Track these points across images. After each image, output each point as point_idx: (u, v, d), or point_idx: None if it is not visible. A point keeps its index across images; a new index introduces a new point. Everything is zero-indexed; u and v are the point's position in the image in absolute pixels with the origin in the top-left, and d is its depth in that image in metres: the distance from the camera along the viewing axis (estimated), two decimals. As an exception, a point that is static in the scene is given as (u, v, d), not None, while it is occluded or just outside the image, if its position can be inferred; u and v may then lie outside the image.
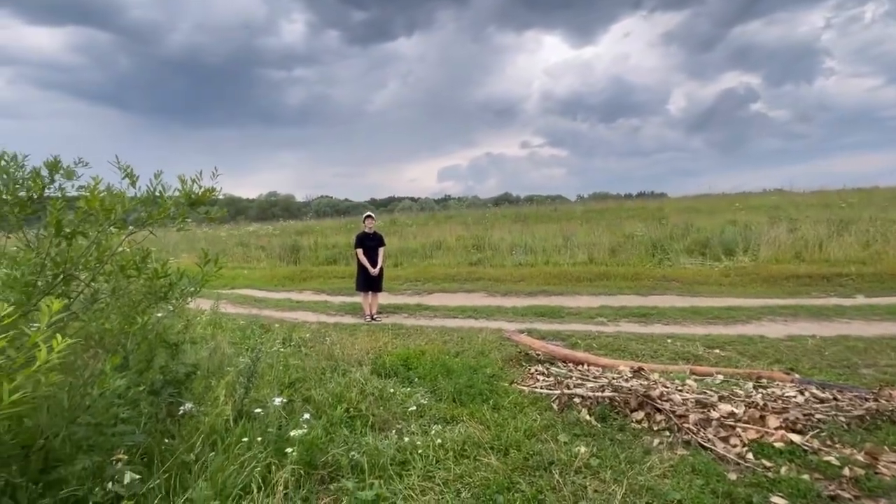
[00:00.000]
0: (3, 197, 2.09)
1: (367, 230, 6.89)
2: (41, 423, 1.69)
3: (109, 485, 1.61)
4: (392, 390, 3.25)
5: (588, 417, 2.88)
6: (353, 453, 2.28)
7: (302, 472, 2.09)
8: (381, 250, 6.91)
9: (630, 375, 3.48)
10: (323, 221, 25.02)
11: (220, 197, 2.58)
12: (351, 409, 2.88)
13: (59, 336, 1.38)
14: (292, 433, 2.12)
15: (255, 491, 1.82)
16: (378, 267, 6.76)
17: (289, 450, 2.03)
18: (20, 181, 2.11)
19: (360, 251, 6.77)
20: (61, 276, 1.70)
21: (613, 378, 3.39)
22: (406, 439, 2.46)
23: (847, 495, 2.00)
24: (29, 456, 1.67)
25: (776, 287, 7.46)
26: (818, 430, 2.53)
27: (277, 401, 2.44)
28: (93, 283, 1.88)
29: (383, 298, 7.52)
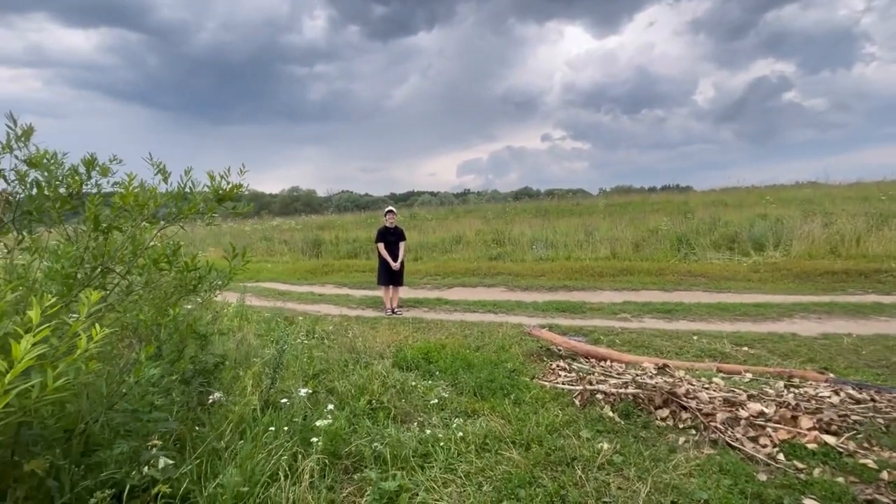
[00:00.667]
0: (45, 193, 2.19)
1: (388, 225, 6.93)
2: (82, 408, 1.78)
3: (145, 469, 1.68)
4: (413, 383, 3.28)
5: (611, 414, 2.85)
6: (375, 444, 2.32)
7: (327, 461, 2.13)
8: (402, 245, 6.95)
9: (654, 372, 3.42)
10: (344, 216, 25.30)
11: (246, 192, 2.64)
12: (373, 401, 2.92)
13: (97, 326, 1.44)
14: (317, 423, 2.17)
15: (283, 478, 1.87)
16: (399, 261, 6.80)
17: (314, 439, 2.08)
18: (60, 178, 2.20)
19: (381, 245, 6.82)
20: (99, 269, 1.77)
21: (637, 375, 3.33)
22: (428, 432, 2.49)
23: (885, 500, 1.91)
24: (71, 440, 1.75)
25: (809, 283, 7.18)
26: (854, 432, 2.43)
27: (303, 391, 2.49)
28: (128, 276, 1.95)
29: (404, 292, 7.58)
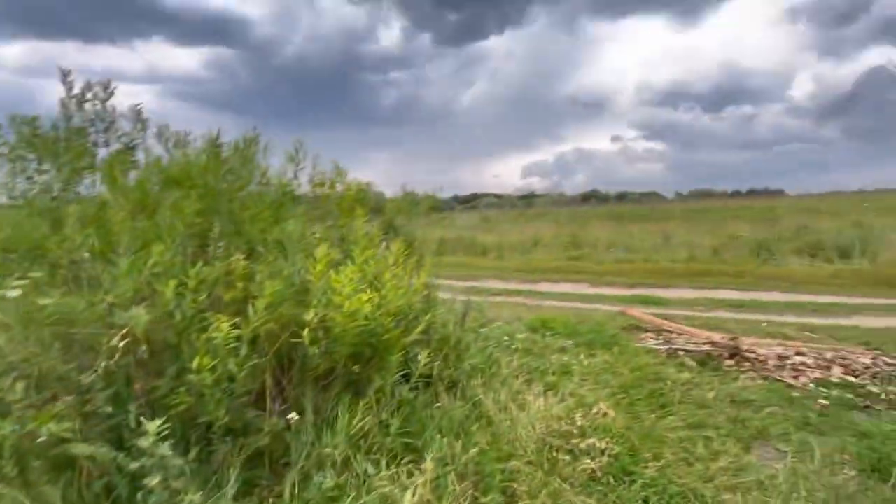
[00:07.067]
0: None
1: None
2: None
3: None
4: (542, 336, 4.71)
5: (690, 362, 4.07)
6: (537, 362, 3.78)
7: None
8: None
9: (728, 340, 4.55)
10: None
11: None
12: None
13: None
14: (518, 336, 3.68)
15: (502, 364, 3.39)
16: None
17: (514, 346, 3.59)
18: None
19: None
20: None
21: (711, 337, 4.50)
22: (565, 358, 3.90)
23: (878, 407, 3.02)
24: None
25: (890, 289, 7.59)
26: (873, 375, 3.48)
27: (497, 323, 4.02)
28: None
29: (500, 283, 9.03)
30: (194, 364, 1.93)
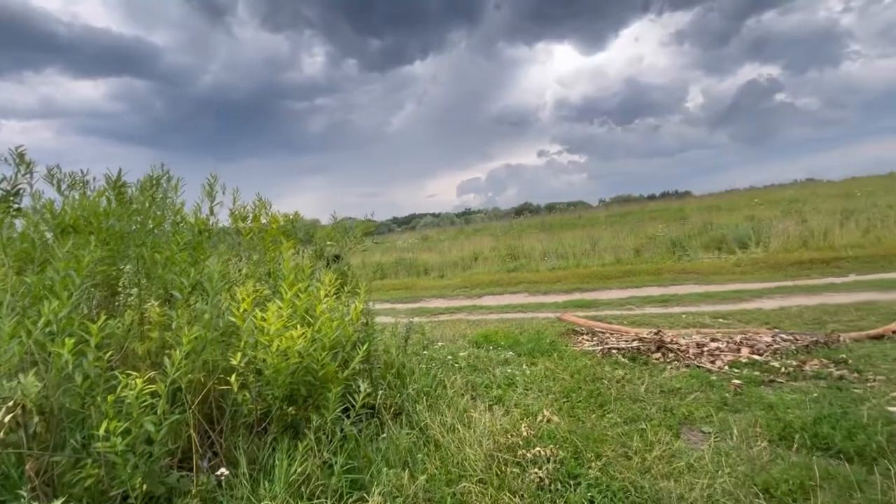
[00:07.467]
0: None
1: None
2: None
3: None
4: (485, 351, 4.77)
5: (623, 360, 4.32)
6: (482, 377, 3.81)
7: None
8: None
9: (652, 332, 4.90)
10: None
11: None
12: (468, 360, 4.41)
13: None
14: (460, 354, 3.67)
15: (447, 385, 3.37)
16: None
17: (456, 364, 3.58)
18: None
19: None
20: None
21: (638, 334, 4.82)
22: (508, 370, 3.98)
23: (780, 380, 3.39)
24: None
25: (780, 272, 8.65)
26: (774, 352, 3.91)
27: (438, 344, 4.00)
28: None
29: (443, 302, 9.07)
30: (101, 430, 1.73)
